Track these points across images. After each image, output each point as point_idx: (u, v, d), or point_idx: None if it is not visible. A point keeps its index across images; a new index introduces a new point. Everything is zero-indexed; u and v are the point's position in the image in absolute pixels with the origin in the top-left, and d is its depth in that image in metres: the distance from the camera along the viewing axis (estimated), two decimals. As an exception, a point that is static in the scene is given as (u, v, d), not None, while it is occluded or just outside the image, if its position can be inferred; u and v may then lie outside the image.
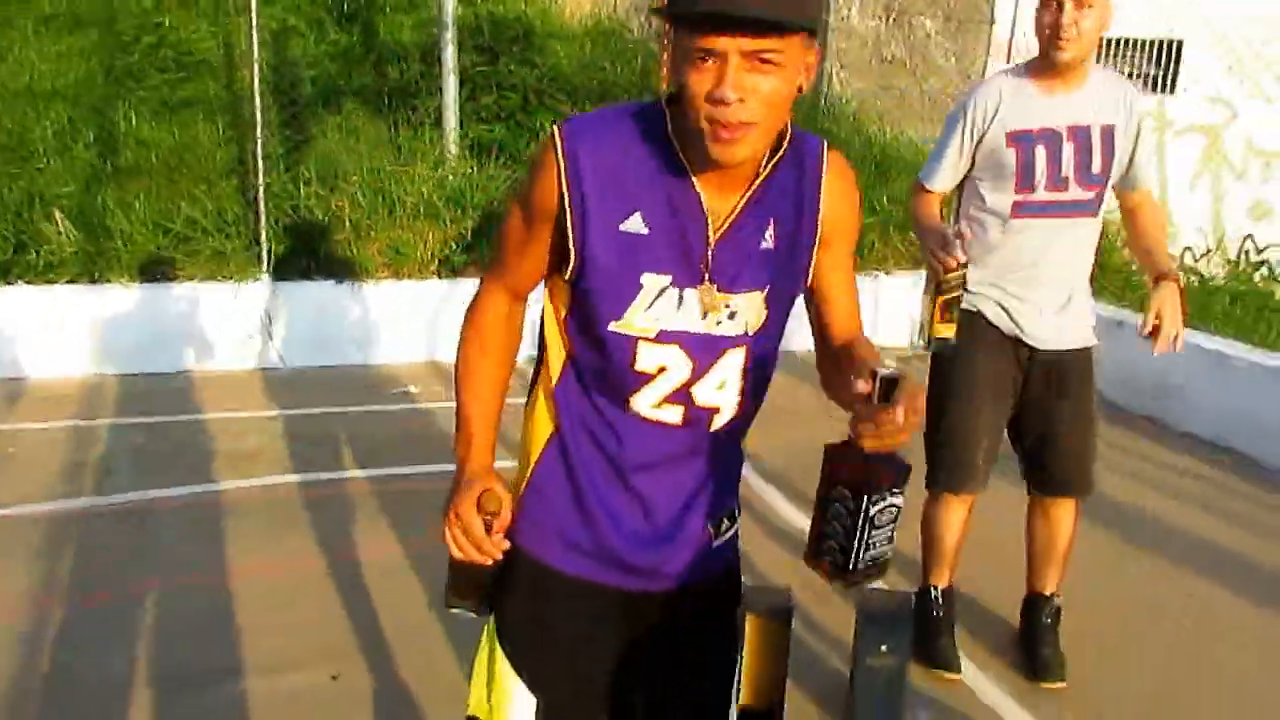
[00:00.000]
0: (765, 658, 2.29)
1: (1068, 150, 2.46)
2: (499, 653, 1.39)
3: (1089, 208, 2.52)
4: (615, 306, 1.25)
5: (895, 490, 1.23)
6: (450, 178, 5.96)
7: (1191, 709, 2.66)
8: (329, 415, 4.61)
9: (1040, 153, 2.46)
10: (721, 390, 1.31)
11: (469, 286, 6.00)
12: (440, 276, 5.60)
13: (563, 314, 1.32)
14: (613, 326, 1.25)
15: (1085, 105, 2.48)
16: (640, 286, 1.24)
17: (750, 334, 1.29)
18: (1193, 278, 7.25)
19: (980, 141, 2.53)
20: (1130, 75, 7.97)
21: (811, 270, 1.32)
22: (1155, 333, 2.39)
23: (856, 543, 1.23)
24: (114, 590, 2.99)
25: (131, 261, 5.22)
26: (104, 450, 4.08)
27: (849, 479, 1.21)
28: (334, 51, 7.10)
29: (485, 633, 1.43)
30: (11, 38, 6.62)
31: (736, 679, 1.49)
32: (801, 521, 3.56)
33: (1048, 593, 2.79)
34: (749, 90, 1.11)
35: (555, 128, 1.26)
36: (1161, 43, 7.94)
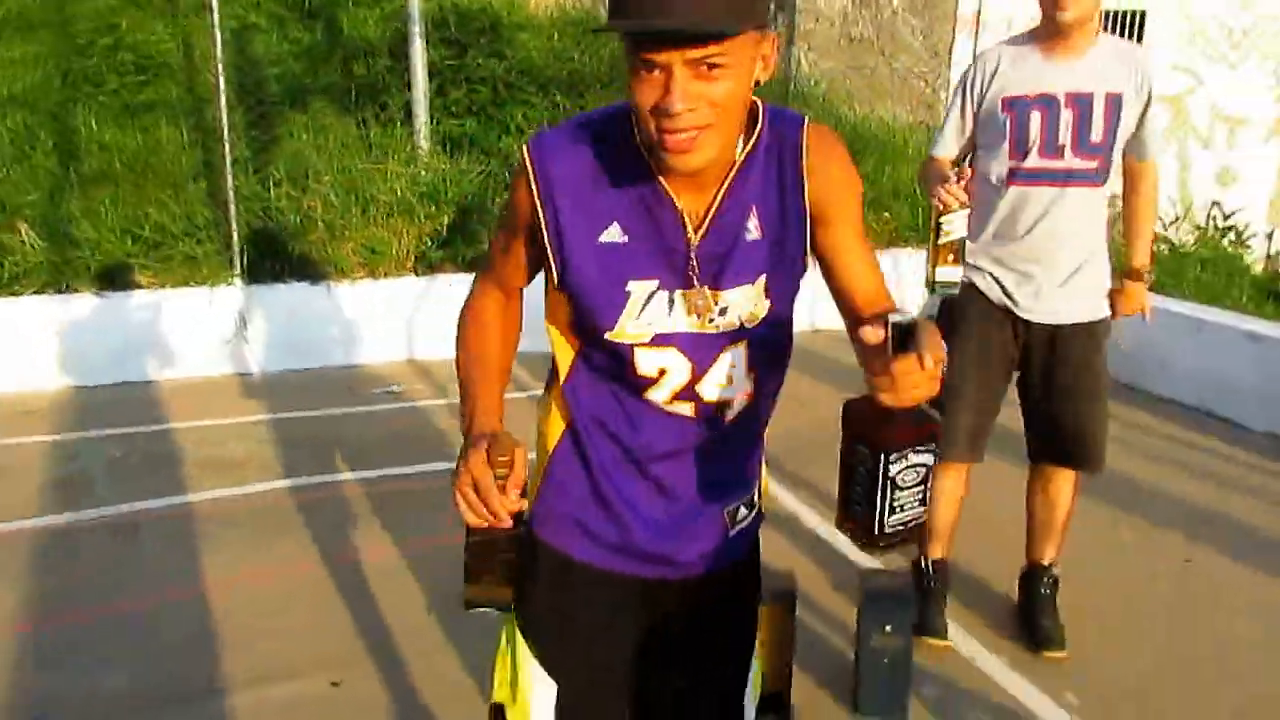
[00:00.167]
0: (771, 642, 2.29)
1: (1065, 117, 2.43)
2: (520, 640, 1.39)
3: (1088, 178, 2.47)
4: (607, 317, 1.25)
5: (920, 448, 1.14)
6: (423, 173, 5.90)
7: (1192, 680, 2.68)
8: (312, 419, 4.54)
9: (1034, 118, 2.44)
10: (728, 385, 1.30)
11: (446, 283, 5.91)
12: (417, 274, 5.54)
13: (563, 319, 1.33)
14: (608, 336, 1.25)
15: (1089, 72, 2.43)
16: (628, 294, 1.23)
17: (748, 327, 1.27)
18: (1163, 246, 7.34)
19: (980, 107, 2.53)
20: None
21: (808, 252, 1.29)
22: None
23: (879, 505, 1.14)
24: (101, 605, 2.93)
25: (100, 270, 5.12)
26: (84, 464, 4.00)
27: (868, 437, 1.13)
28: (298, 49, 6.99)
29: (506, 621, 1.42)
30: (-38, 45, 6.46)
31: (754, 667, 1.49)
32: (799, 508, 3.56)
33: (1045, 563, 2.80)
34: (697, 97, 1.08)
35: (525, 145, 1.26)
36: (1125, 13, 8.00)
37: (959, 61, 7.44)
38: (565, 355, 1.35)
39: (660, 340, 1.25)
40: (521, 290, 1.41)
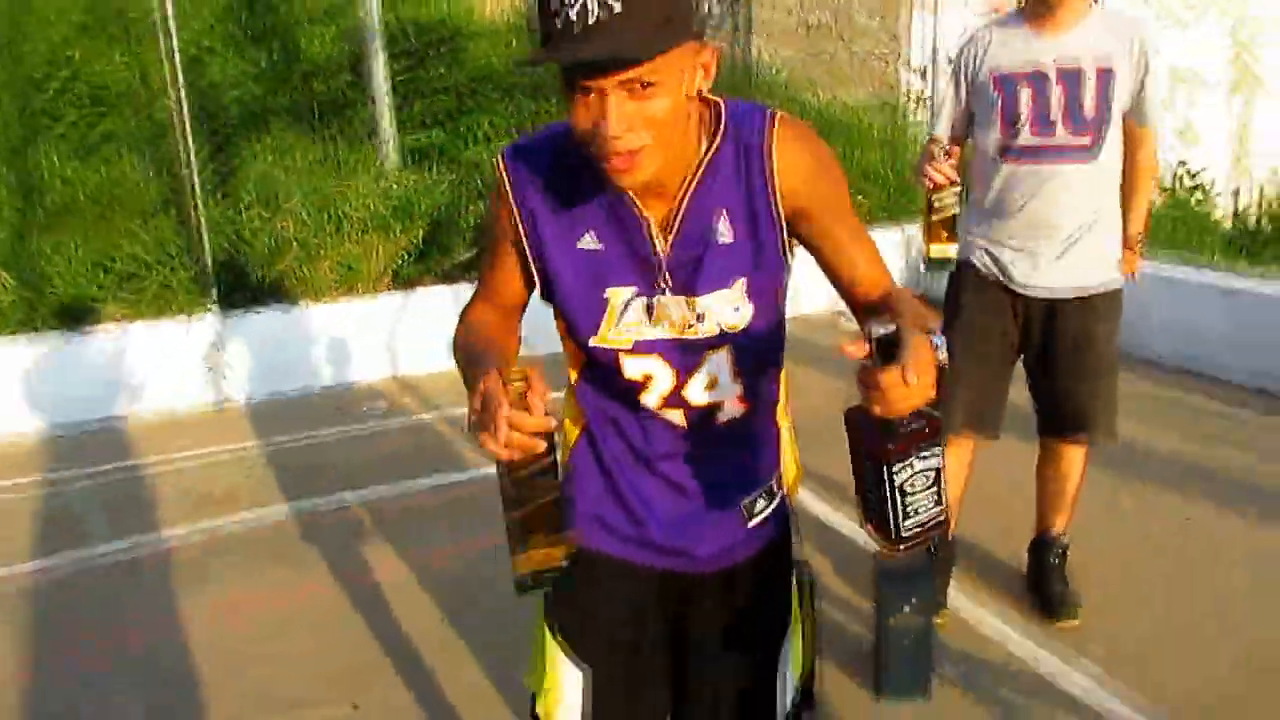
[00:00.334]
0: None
1: (1055, 93, 2.41)
2: (548, 631, 1.41)
3: (1082, 154, 2.44)
4: (589, 323, 1.25)
5: (924, 453, 1.09)
6: (394, 187, 5.84)
7: (1196, 637, 2.71)
8: (301, 443, 4.49)
9: (1024, 94, 2.43)
10: (714, 389, 1.30)
11: (425, 297, 5.82)
12: (393, 289, 5.49)
13: (561, 327, 1.34)
14: (593, 342, 1.26)
15: (1080, 45, 2.41)
16: (606, 301, 1.24)
17: (729, 332, 1.25)
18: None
19: (972, 85, 2.52)
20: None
21: (789, 250, 1.26)
22: None
23: (892, 514, 1.11)
24: (103, 646, 2.87)
25: (74, 307, 5.03)
26: (73, 504, 3.93)
27: (868, 449, 1.10)
28: (256, 71, 6.90)
29: (537, 610, 1.43)
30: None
31: (785, 655, 1.48)
32: (801, 494, 3.55)
33: (1055, 532, 2.82)
34: (632, 117, 1.07)
35: (499, 156, 1.27)
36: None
37: (918, 41, 7.48)
38: (572, 361, 1.38)
39: (641, 347, 1.26)
40: (520, 311, 1.38)
